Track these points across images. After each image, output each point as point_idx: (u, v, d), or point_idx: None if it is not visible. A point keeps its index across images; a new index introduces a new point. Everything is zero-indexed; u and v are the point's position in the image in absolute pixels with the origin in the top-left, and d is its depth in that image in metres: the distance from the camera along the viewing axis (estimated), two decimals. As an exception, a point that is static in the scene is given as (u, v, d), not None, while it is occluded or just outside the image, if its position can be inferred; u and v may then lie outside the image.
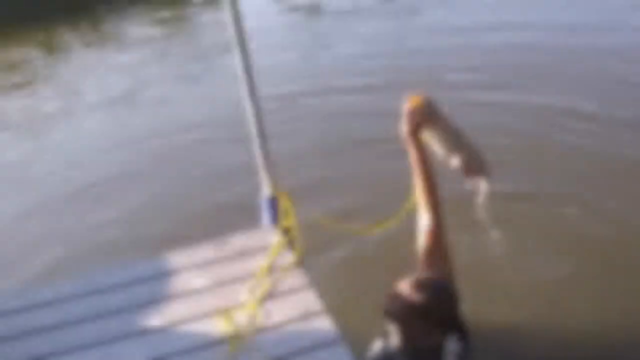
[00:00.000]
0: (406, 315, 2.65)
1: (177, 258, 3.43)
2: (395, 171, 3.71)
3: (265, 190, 3.54)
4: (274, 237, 3.45)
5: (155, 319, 3.00)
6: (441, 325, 2.69)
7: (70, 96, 8.77)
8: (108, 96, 8.44)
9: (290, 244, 3.41)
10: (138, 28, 11.21)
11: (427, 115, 2.97)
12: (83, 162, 6.67)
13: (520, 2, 9.98)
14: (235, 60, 3.31)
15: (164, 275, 3.32)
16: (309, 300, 3.02)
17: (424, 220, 2.96)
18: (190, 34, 10.70)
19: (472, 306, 2.92)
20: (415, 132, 2.98)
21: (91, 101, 8.40)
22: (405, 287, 2.66)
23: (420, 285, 2.66)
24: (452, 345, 2.76)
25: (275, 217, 3.51)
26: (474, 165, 3.01)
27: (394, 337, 2.79)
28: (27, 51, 10.68)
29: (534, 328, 3.71)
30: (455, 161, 2.99)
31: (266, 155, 3.49)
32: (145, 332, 2.94)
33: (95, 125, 7.66)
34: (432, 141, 3.02)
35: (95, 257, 4.80)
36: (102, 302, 3.17)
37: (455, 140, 3.00)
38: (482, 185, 3.01)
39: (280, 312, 2.96)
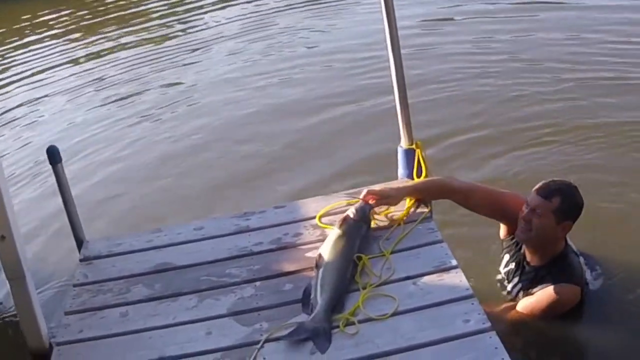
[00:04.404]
0: (545, 225, 3.03)
1: (312, 205, 3.48)
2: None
3: (402, 142, 3.52)
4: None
5: (289, 264, 3.07)
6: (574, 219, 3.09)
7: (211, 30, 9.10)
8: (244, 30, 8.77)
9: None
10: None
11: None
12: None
13: None
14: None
15: (299, 221, 3.39)
16: (443, 254, 3.01)
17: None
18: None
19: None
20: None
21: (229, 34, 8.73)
22: (537, 197, 3.05)
23: (550, 190, 3.05)
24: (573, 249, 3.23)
25: (411, 170, 3.49)
26: None
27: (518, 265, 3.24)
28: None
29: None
30: None
31: (404, 106, 3.47)
32: (274, 277, 3.02)
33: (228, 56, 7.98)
34: None
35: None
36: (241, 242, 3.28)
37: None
38: None
39: (413, 264, 2.96)
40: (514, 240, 3.32)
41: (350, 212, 3.17)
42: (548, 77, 6.07)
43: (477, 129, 5.34)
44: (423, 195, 3.34)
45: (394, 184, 3.43)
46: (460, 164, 4.84)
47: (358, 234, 3.08)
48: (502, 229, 3.45)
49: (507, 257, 3.41)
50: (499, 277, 3.46)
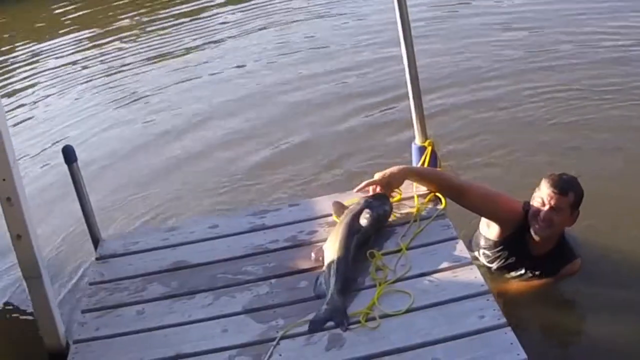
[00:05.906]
0: (564, 219, 3.20)
1: (327, 203, 3.48)
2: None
3: (416, 139, 3.52)
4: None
5: (305, 262, 3.07)
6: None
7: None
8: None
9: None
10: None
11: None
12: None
13: None
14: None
15: (314, 219, 3.39)
16: (457, 250, 3.01)
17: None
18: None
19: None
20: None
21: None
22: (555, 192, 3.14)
23: (565, 185, 3.16)
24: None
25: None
26: None
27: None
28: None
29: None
30: None
31: (418, 104, 3.47)
32: (289, 274, 3.03)
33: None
34: None
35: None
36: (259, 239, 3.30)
37: None
38: None
39: (428, 260, 2.96)
40: (512, 238, 3.38)
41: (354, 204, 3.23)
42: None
43: (477, 104, 5.63)
44: (420, 179, 3.36)
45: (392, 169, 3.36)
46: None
47: (357, 221, 3.11)
48: (494, 230, 3.44)
49: (505, 253, 3.44)
50: (493, 269, 3.51)
